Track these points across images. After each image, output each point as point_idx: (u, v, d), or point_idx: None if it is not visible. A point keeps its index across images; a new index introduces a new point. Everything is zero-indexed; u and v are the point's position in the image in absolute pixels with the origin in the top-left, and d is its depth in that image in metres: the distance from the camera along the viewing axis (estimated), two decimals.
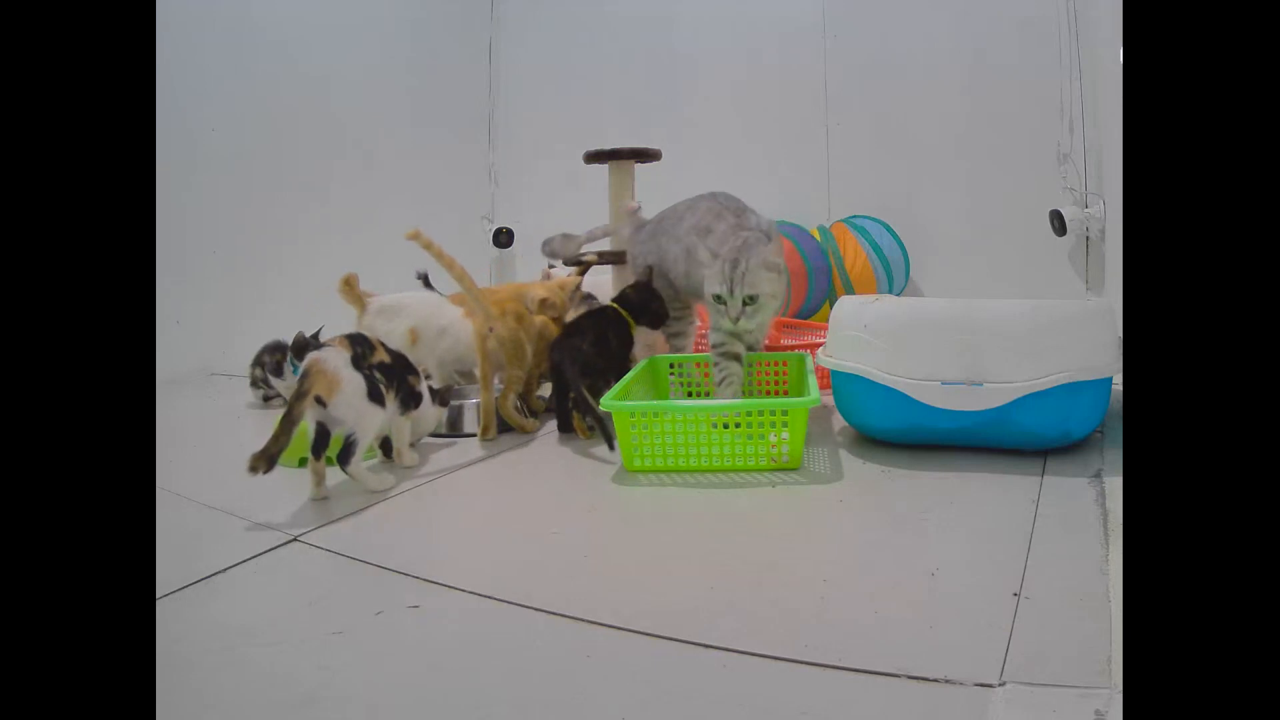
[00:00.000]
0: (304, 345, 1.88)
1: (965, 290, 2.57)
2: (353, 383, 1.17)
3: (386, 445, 1.36)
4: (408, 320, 1.69)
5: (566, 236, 1.88)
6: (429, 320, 1.69)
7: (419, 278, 2.09)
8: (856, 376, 1.29)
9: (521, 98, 3.28)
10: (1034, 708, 0.60)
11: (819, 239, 2.55)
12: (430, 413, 1.42)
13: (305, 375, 1.13)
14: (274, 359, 1.94)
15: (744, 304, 1.36)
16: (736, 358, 1.43)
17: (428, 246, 1.45)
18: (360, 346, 1.22)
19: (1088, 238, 2.42)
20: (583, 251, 1.89)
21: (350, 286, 1.68)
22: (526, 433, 1.57)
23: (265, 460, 1.06)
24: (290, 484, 1.24)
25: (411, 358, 1.43)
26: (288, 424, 1.09)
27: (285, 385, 1.91)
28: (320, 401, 1.13)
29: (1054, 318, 1.21)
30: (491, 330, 1.52)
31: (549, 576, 0.90)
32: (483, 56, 3.30)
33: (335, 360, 1.17)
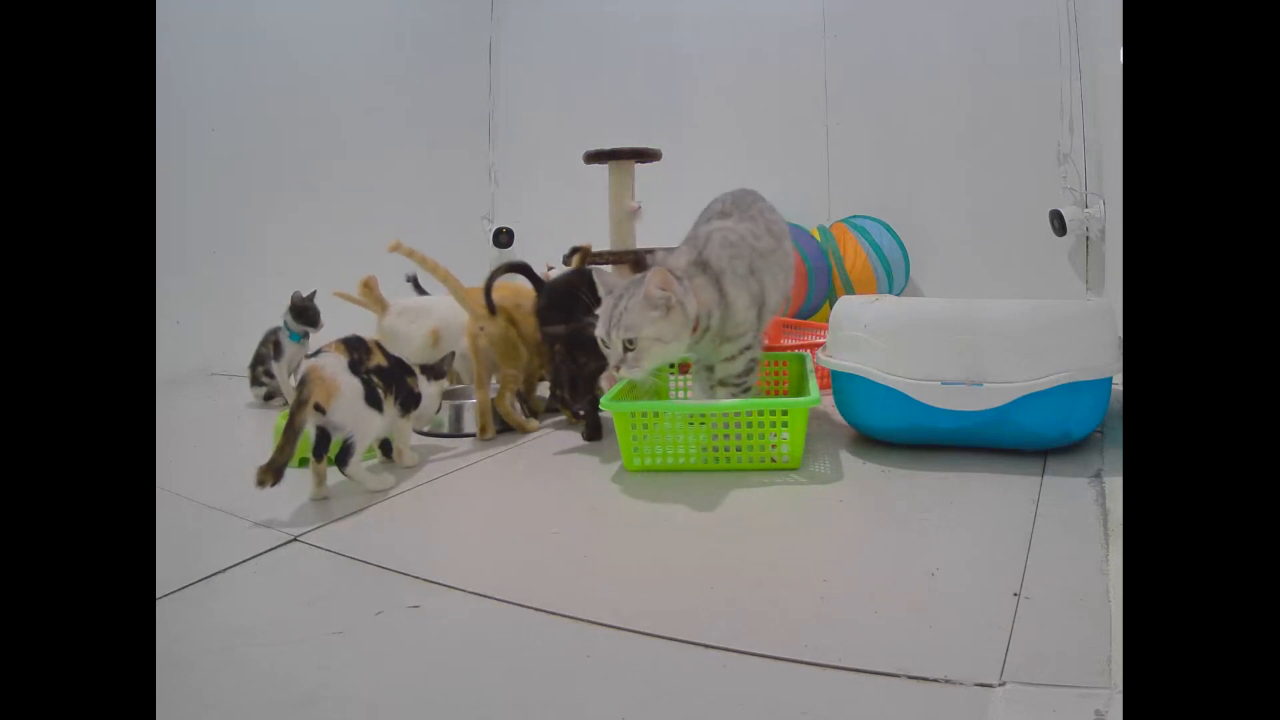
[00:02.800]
0: (304, 307, 1.88)
1: (965, 290, 2.57)
2: (350, 388, 1.17)
3: (386, 445, 1.36)
4: (431, 322, 1.69)
5: None
6: (451, 321, 1.69)
7: (408, 280, 2.09)
8: (856, 376, 1.29)
9: (521, 98, 3.28)
10: (1034, 708, 0.60)
11: (819, 239, 2.55)
12: (429, 392, 1.41)
13: (304, 382, 1.13)
14: (272, 344, 1.94)
15: (624, 348, 1.16)
16: (721, 383, 1.31)
17: (410, 254, 1.45)
18: (357, 351, 1.22)
19: (1088, 238, 2.42)
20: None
21: (370, 289, 1.67)
22: (526, 432, 1.57)
23: (272, 473, 1.06)
24: (290, 484, 1.24)
25: (435, 358, 1.43)
26: (291, 434, 1.09)
27: (286, 359, 1.91)
28: (319, 408, 1.13)
29: (1054, 318, 1.21)
30: (482, 330, 1.52)
31: (549, 576, 0.90)
32: (483, 56, 3.30)
33: (333, 366, 1.17)
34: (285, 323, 1.91)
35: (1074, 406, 1.21)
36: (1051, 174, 2.42)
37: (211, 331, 2.52)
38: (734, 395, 1.29)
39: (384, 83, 2.98)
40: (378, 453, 1.38)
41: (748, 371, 1.30)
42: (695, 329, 1.22)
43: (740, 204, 1.39)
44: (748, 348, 1.29)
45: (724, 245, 1.26)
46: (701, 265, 1.24)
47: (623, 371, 1.18)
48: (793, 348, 1.86)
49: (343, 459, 1.17)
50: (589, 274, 1.65)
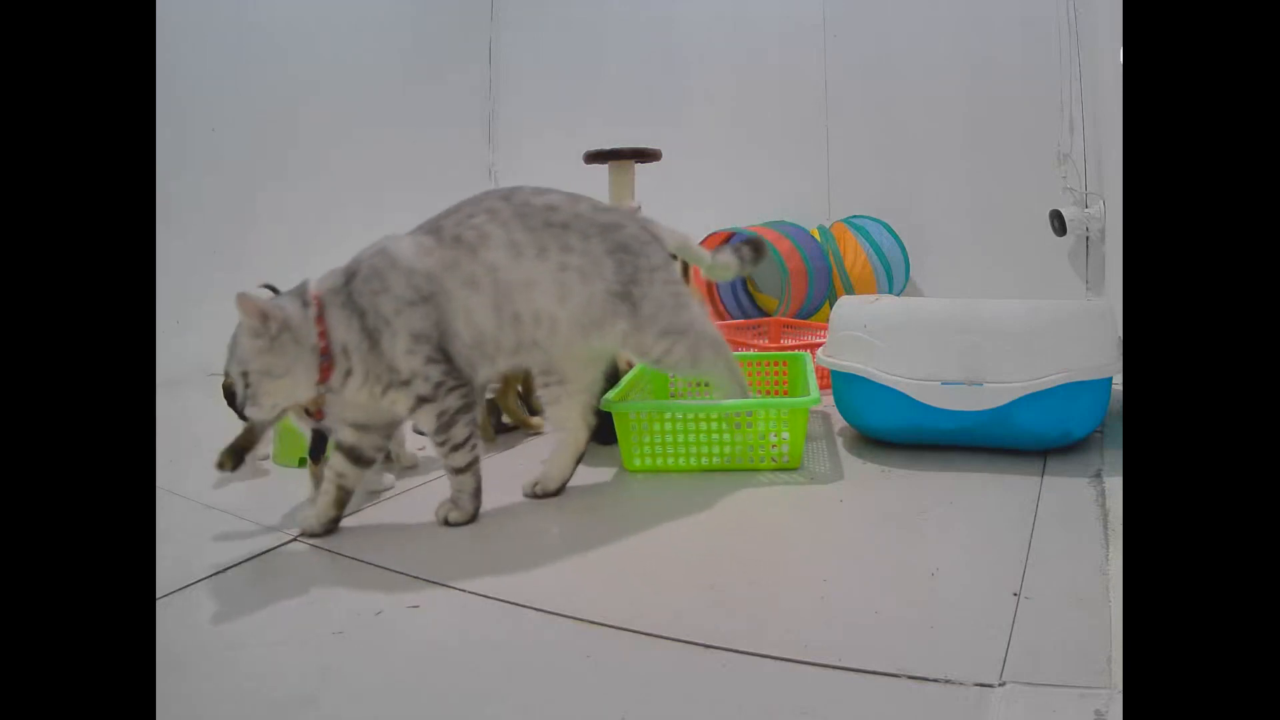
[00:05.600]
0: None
1: (965, 290, 2.57)
2: None
3: None
4: None
5: None
6: None
7: None
8: (856, 376, 1.29)
9: (521, 98, 3.28)
10: (1034, 708, 0.60)
11: (819, 239, 2.55)
12: None
13: None
14: None
15: (244, 384, 0.99)
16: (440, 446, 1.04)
17: None
18: None
19: (1088, 238, 2.43)
20: None
21: None
22: (530, 429, 1.57)
23: (231, 457, 1.11)
24: (290, 484, 1.24)
25: None
26: (260, 428, 1.14)
27: None
28: (311, 415, 1.13)
29: (1054, 318, 1.21)
30: None
31: (549, 576, 0.90)
32: (483, 56, 3.30)
33: None
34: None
35: (1074, 406, 1.21)
36: (1051, 174, 2.42)
37: (211, 331, 2.51)
38: (443, 456, 1.05)
39: (384, 83, 2.98)
40: None
41: (448, 426, 1.02)
42: (328, 373, 0.98)
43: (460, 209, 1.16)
44: (424, 398, 1.00)
45: (370, 276, 1.01)
46: (343, 294, 1.01)
47: (247, 410, 0.99)
48: (793, 348, 1.86)
49: None
50: None
